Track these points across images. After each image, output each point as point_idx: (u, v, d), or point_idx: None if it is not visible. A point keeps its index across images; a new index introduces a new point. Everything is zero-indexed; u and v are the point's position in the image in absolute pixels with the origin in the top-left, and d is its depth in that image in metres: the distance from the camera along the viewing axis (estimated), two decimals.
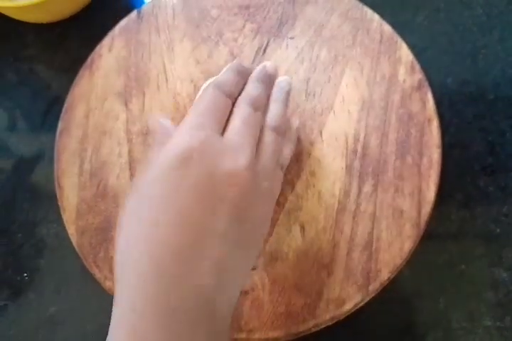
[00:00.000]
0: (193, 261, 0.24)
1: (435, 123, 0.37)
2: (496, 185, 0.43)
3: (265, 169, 0.28)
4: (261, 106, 0.30)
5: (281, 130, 0.31)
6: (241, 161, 0.26)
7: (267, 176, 0.28)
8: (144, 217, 0.25)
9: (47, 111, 0.49)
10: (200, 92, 0.34)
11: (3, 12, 0.47)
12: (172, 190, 0.25)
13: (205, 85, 0.35)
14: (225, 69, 0.32)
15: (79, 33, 0.51)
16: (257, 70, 0.32)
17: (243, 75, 0.32)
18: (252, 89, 0.31)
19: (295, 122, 0.36)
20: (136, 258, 0.24)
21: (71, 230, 0.39)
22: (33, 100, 0.50)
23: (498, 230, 0.41)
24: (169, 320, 0.23)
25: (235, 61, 0.32)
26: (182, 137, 0.26)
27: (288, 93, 0.33)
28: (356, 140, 0.38)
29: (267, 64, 0.33)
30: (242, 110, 0.29)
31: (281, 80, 0.33)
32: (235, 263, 0.26)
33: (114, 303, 0.25)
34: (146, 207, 0.25)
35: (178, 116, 0.40)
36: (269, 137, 0.30)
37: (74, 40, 0.51)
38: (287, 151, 0.33)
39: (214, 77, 0.33)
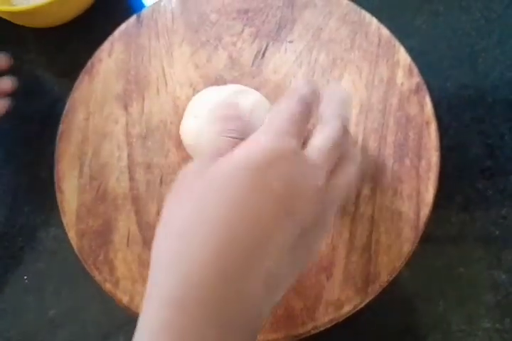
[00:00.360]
0: (251, 269, 0.23)
1: (433, 126, 0.37)
2: (495, 187, 0.43)
3: (334, 195, 0.27)
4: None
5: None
6: (320, 182, 0.26)
7: (333, 202, 0.27)
8: (211, 211, 0.24)
9: (48, 114, 0.49)
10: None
11: (3, 16, 0.48)
12: (249, 190, 0.24)
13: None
14: (303, 82, 0.29)
15: (79, 37, 0.51)
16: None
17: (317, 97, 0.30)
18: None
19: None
20: (195, 250, 0.23)
21: (71, 233, 0.39)
22: (33, 104, 0.51)
23: (497, 232, 0.41)
24: (217, 322, 0.23)
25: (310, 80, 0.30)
26: (271, 139, 0.25)
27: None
28: (354, 143, 0.38)
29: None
30: (332, 129, 0.28)
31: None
32: (285, 278, 0.26)
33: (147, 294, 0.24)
34: (216, 203, 0.24)
35: (177, 120, 0.40)
36: (348, 162, 0.28)
37: (74, 44, 0.51)
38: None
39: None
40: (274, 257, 0.24)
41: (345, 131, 0.28)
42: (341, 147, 0.28)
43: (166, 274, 0.24)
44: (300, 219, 0.25)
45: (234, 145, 0.26)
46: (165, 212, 0.26)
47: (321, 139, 0.27)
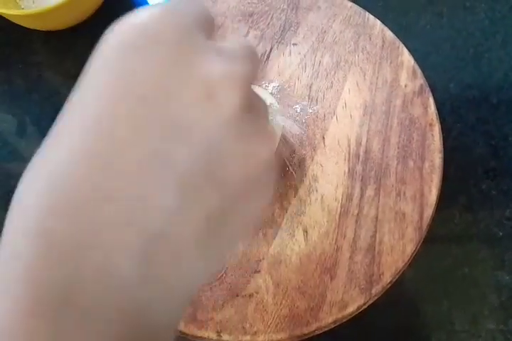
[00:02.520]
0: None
1: (437, 128, 0.38)
2: (499, 188, 0.43)
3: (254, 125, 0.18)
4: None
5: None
6: (234, 68, 0.17)
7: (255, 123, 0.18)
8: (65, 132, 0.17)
9: (56, 117, 0.50)
10: None
11: (12, 20, 0.48)
12: (109, 87, 0.16)
13: None
14: None
15: (87, 39, 0.51)
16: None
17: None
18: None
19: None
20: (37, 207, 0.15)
21: None
22: (41, 106, 0.51)
23: (501, 233, 0.42)
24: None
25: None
26: (152, 11, 0.17)
27: None
28: (358, 144, 0.38)
29: None
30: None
31: None
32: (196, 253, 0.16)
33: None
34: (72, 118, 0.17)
35: None
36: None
37: (82, 46, 0.52)
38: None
39: None
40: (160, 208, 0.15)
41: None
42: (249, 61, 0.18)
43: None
44: (205, 129, 0.16)
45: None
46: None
47: (236, 41, 0.20)
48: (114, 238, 0.15)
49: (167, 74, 0.16)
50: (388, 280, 0.35)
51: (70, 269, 0.14)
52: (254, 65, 0.19)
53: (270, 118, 0.36)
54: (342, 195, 0.37)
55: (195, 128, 0.16)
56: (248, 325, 0.35)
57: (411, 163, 0.37)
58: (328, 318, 0.35)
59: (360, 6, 0.42)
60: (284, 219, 0.37)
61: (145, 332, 0.15)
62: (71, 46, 0.53)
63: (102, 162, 0.15)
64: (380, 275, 0.35)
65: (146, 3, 0.53)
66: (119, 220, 0.15)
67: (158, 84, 0.16)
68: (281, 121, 0.38)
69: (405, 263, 0.36)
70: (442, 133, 0.38)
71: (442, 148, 0.37)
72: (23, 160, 0.50)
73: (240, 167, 0.17)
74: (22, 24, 0.49)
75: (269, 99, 0.38)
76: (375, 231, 0.36)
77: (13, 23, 0.49)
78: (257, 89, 0.38)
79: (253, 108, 0.18)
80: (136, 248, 0.15)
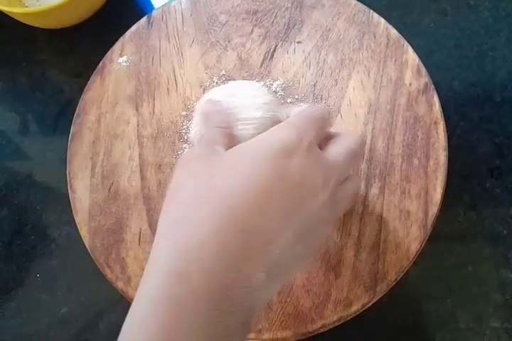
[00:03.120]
0: (256, 253, 0.24)
1: (441, 126, 0.38)
2: (503, 186, 0.43)
3: (338, 203, 0.28)
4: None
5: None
6: (332, 184, 0.27)
7: (337, 208, 0.29)
8: (223, 188, 0.24)
9: (59, 114, 0.50)
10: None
11: (16, 18, 0.48)
12: (267, 177, 0.25)
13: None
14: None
15: (90, 38, 0.52)
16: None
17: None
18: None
19: None
20: (197, 220, 0.24)
21: (83, 232, 0.40)
22: (45, 104, 0.51)
23: (505, 232, 0.42)
24: (216, 301, 0.23)
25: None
26: (292, 131, 0.26)
27: None
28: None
29: None
30: (353, 140, 0.30)
31: None
32: (286, 271, 0.26)
33: (150, 261, 0.25)
34: (230, 182, 0.25)
35: (187, 120, 0.41)
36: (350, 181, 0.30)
37: (85, 45, 0.52)
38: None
39: None
40: (281, 247, 0.24)
41: (361, 148, 0.31)
42: (357, 160, 0.31)
43: (165, 243, 0.25)
44: (311, 214, 0.25)
45: (225, 135, 0.28)
46: (173, 186, 0.27)
47: (339, 146, 0.29)
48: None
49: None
50: (393, 279, 0.35)
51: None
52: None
53: (269, 114, 0.36)
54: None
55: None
56: (253, 323, 0.35)
57: (416, 161, 0.37)
58: (332, 316, 0.35)
59: (365, 4, 0.42)
60: None
61: (251, 314, 0.24)
62: (74, 44, 0.53)
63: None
64: (384, 274, 0.36)
65: (150, 3, 0.53)
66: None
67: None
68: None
69: (410, 262, 0.36)
70: (447, 132, 0.38)
71: (447, 146, 0.37)
72: (26, 158, 0.51)
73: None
74: (26, 22, 0.49)
75: (268, 97, 0.37)
76: (380, 230, 0.36)
77: (17, 21, 0.49)
78: (254, 85, 0.38)
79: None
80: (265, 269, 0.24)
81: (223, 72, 0.42)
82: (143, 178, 0.40)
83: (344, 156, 0.28)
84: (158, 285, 0.23)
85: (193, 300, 0.22)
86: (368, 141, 0.38)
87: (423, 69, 0.39)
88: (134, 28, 0.44)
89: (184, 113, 0.41)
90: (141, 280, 0.24)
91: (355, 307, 0.35)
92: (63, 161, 0.42)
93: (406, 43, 0.40)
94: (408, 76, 0.39)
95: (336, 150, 0.28)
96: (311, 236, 0.26)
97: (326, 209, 0.26)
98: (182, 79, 0.42)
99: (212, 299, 0.22)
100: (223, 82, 0.42)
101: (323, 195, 0.26)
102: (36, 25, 0.50)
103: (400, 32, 0.41)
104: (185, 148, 0.40)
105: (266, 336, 0.35)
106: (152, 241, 0.38)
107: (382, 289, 0.35)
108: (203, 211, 0.24)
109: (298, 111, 0.30)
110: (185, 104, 0.42)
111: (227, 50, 0.42)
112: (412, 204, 0.37)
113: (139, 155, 0.41)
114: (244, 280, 0.23)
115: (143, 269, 0.38)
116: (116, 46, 0.44)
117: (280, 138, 0.26)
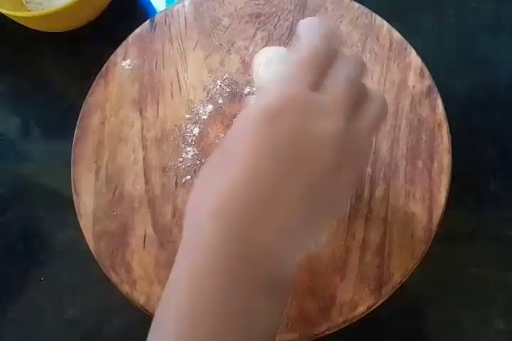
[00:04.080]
0: (260, 219, 0.23)
1: (445, 129, 0.38)
2: (507, 188, 0.43)
3: (358, 139, 0.26)
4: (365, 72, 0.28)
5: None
6: (334, 125, 0.24)
7: (358, 147, 0.26)
8: (221, 171, 0.24)
9: (62, 118, 0.50)
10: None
11: (19, 21, 0.48)
12: (253, 147, 0.24)
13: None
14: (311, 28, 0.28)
15: (93, 41, 0.52)
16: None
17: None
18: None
19: None
20: (208, 208, 0.24)
21: (88, 235, 0.40)
22: (48, 108, 0.51)
23: (509, 233, 0.42)
24: (233, 264, 0.23)
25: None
26: (274, 92, 0.25)
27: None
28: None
29: None
30: (348, 66, 0.27)
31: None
32: (301, 230, 0.25)
33: (182, 240, 0.25)
34: (227, 162, 0.25)
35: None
36: (372, 102, 0.27)
37: (88, 48, 0.52)
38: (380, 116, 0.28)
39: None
40: (284, 207, 0.24)
41: (362, 65, 0.27)
42: (359, 83, 0.27)
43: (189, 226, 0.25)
44: (313, 168, 0.24)
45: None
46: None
47: (334, 77, 0.26)
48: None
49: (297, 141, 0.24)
50: (398, 281, 0.35)
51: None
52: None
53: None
54: (351, 196, 0.37)
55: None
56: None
57: (420, 164, 0.37)
58: (338, 318, 0.35)
59: (367, 7, 0.42)
60: None
61: (279, 278, 0.24)
62: (77, 48, 0.53)
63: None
64: (389, 276, 0.36)
65: (153, 6, 0.53)
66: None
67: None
68: None
69: (415, 264, 0.36)
70: (450, 134, 0.38)
71: (451, 149, 0.37)
72: (29, 162, 0.51)
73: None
74: (29, 26, 0.49)
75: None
76: (385, 232, 0.37)
77: (20, 25, 0.49)
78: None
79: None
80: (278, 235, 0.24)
81: (227, 76, 0.42)
82: (147, 181, 0.40)
83: (339, 90, 0.25)
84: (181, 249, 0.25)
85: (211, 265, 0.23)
86: (372, 144, 0.38)
87: (426, 72, 0.39)
88: (137, 31, 0.44)
89: (188, 116, 0.41)
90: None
91: (361, 310, 0.35)
92: (67, 165, 0.42)
93: (409, 46, 0.40)
94: (411, 78, 0.39)
95: (329, 84, 0.26)
96: (323, 190, 0.24)
97: (334, 153, 0.24)
98: (185, 82, 0.42)
99: (228, 261, 0.23)
100: (227, 86, 0.42)
101: (327, 142, 0.24)
102: (39, 28, 0.50)
103: (402, 35, 0.41)
104: (189, 151, 0.40)
105: None
106: (157, 244, 0.39)
107: (387, 291, 0.35)
108: (217, 181, 0.24)
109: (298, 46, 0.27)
110: (188, 107, 0.42)
111: (230, 54, 0.43)
112: (416, 207, 0.37)
113: (143, 158, 0.41)
114: (257, 246, 0.23)
115: (148, 272, 0.38)
116: (120, 50, 0.44)
117: (260, 104, 0.25)
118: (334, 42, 0.27)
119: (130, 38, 0.44)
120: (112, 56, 0.44)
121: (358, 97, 0.26)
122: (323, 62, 0.26)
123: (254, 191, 0.23)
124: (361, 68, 0.27)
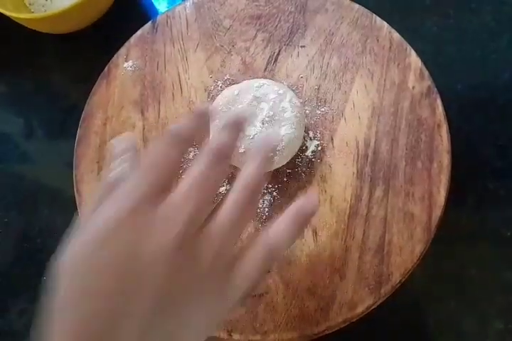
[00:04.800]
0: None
1: (445, 129, 0.38)
2: (507, 188, 0.43)
3: (207, 256, 0.24)
4: (226, 158, 0.26)
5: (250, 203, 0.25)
6: (167, 237, 0.23)
7: (211, 267, 0.24)
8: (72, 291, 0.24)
9: (65, 119, 0.50)
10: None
11: (22, 23, 0.49)
12: (88, 273, 0.23)
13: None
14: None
15: (95, 43, 0.52)
16: (228, 117, 0.27)
17: (204, 121, 0.27)
18: (219, 137, 0.25)
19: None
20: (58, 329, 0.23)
21: None
22: (50, 108, 0.52)
23: (508, 233, 0.42)
24: None
25: (196, 106, 0.28)
26: (104, 212, 0.24)
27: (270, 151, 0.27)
28: (367, 145, 0.39)
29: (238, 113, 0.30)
30: (197, 166, 0.24)
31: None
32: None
33: None
34: (66, 286, 0.24)
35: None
36: (227, 215, 0.24)
37: (90, 50, 0.52)
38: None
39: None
40: (132, 332, 0.22)
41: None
42: (210, 187, 0.25)
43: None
44: (149, 288, 0.22)
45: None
46: None
47: (185, 179, 0.24)
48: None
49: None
50: (397, 281, 0.36)
51: None
52: None
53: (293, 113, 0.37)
54: (351, 196, 0.37)
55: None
56: (258, 325, 0.36)
57: (419, 164, 0.38)
58: (337, 318, 0.35)
59: (367, 8, 0.42)
60: None
61: None
62: (80, 49, 0.53)
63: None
64: (389, 276, 0.36)
65: (154, 8, 0.53)
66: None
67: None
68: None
69: (414, 264, 0.36)
70: (450, 134, 0.38)
71: (450, 149, 0.38)
72: (32, 162, 0.51)
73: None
74: (32, 27, 0.50)
75: (288, 94, 0.38)
76: (384, 232, 0.37)
77: (23, 27, 0.49)
78: (274, 85, 0.38)
79: None
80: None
81: (227, 76, 0.42)
82: None
83: (183, 195, 0.24)
84: None
85: None
86: (372, 144, 0.39)
87: (426, 73, 0.40)
88: (138, 32, 0.45)
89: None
90: None
91: (360, 309, 0.35)
92: (69, 165, 0.42)
93: (409, 47, 0.41)
94: (411, 79, 0.40)
95: (178, 189, 0.24)
96: (171, 310, 0.23)
97: (169, 269, 0.23)
98: (187, 83, 0.43)
99: None
100: (228, 86, 0.42)
101: (158, 259, 0.22)
102: (42, 30, 0.51)
103: (402, 35, 0.41)
104: (190, 152, 0.41)
105: (271, 338, 0.35)
106: None
107: (386, 291, 0.36)
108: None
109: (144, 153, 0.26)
110: (190, 108, 0.42)
111: (231, 55, 0.43)
112: (416, 207, 0.37)
113: None
114: None
115: None
116: (122, 51, 0.44)
117: (91, 229, 0.24)
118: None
119: (132, 40, 0.45)
120: (114, 57, 0.44)
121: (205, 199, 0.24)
122: (177, 161, 0.25)
123: (93, 328, 0.22)
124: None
